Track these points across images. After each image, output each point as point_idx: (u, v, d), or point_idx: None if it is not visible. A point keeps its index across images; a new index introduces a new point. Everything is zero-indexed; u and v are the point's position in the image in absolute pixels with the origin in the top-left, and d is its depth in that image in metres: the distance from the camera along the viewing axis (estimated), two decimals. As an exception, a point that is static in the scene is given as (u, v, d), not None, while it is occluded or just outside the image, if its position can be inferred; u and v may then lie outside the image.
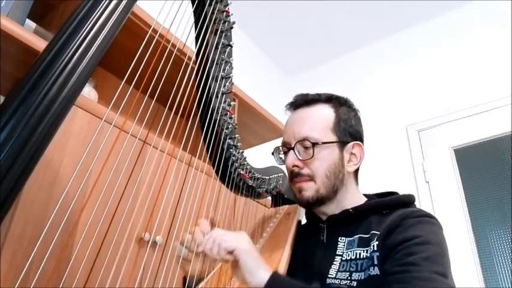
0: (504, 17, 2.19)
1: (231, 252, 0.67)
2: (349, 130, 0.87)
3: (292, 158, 0.84)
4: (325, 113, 0.87)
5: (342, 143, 0.86)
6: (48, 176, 0.84)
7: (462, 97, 2.18)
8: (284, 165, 0.91)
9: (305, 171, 0.84)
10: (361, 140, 0.89)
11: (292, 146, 0.85)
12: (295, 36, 2.72)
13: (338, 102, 0.90)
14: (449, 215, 1.97)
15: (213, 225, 0.80)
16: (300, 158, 0.84)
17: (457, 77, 2.25)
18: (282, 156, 0.93)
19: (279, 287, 0.65)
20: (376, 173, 2.08)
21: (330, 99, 0.90)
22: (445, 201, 2.02)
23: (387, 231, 0.74)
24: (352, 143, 0.87)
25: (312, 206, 0.86)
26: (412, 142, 2.25)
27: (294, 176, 0.85)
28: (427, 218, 0.77)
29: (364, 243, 0.77)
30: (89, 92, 1.21)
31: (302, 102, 0.91)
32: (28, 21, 1.21)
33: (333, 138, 0.85)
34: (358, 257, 0.75)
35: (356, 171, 0.90)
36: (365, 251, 0.75)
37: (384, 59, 2.62)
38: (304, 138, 0.83)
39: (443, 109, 2.22)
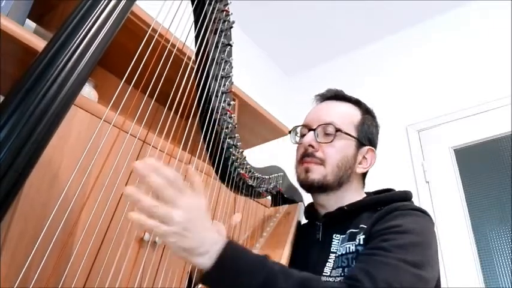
0: (504, 17, 2.19)
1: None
2: (369, 135, 0.90)
3: (310, 137, 0.87)
4: (352, 112, 0.91)
5: (360, 143, 0.88)
6: (48, 176, 0.84)
7: (462, 97, 2.18)
8: (296, 146, 0.93)
9: (318, 154, 0.86)
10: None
11: (314, 128, 0.87)
12: (295, 36, 2.72)
13: (365, 109, 0.94)
14: (449, 215, 1.97)
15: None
16: (319, 140, 0.86)
17: (457, 77, 2.25)
18: (298, 139, 0.94)
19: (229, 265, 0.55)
20: (376, 173, 2.08)
21: (359, 103, 0.94)
22: (445, 201, 2.02)
23: (374, 223, 0.75)
24: (367, 147, 0.90)
25: (313, 189, 0.87)
26: (412, 142, 2.25)
27: (306, 155, 0.86)
28: (416, 212, 0.77)
29: (352, 237, 0.77)
30: (89, 92, 1.21)
31: (332, 95, 0.94)
32: (28, 21, 1.21)
33: (354, 135, 0.88)
34: (348, 251, 0.76)
35: (364, 176, 0.92)
36: (353, 245, 0.75)
37: (384, 59, 2.62)
38: (329, 123, 0.86)
39: (443, 109, 2.22)
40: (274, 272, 0.57)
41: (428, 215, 0.78)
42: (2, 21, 0.86)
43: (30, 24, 1.26)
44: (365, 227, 0.76)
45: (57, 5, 1.20)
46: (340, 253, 0.77)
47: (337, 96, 0.94)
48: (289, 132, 0.97)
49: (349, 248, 0.76)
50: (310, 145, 0.86)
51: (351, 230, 0.79)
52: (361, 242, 0.73)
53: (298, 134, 0.95)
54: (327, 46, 2.77)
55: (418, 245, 0.68)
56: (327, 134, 0.86)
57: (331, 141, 0.85)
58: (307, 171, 0.85)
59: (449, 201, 2.01)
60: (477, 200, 1.97)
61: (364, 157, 0.89)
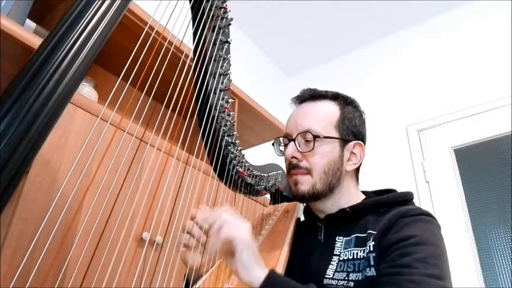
0: (504, 17, 2.19)
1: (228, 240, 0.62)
2: (352, 129, 0.87)
3: (292, 149, 0.84)
4: (330, 109, 0.88)
5: (344, 141, 0.86)
6: (48, 176, 0.84)
7: (462, 97, 2.18)
8: (283, 157, 0.91)
9: (303, 164, 0.83)
10: (363, 141, 0.89)
11: (294, 137, 0.85)
12: (295, 37, 2.72)
13: (344, 101, 0.90)
14: (449, 215, 1.96)
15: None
16: (300, 150, 0.84)
17: (457, 77, 2.25)
18: (282, 148, 0.92)
19: None
20: (376, 173, 2.09)
21: (336, 97, 0.90)
22: (445, 201, 2.02)
23: (383, 230, 0.74)
24: (353, 142, 0.87)
25: (306, 200, 0.86)
26: (412, 142, 2.25)
27: (292, 167, 0.85)
28: (424, 217, 0.76)
29: (360, 243, 0.76)
30: (89, 92, 1.21)
31: (308, 96, 0.91)
32: (28, 21, 1.22)
33: (335, 134, 0.85)
34: (355, 257, 0.75)
35: (357, 171, 0.90)
36: (362, 251, 0.75)
37: (384, 59, 2.62)
38: (306, 131, 0.83)
39: (443, 109, 2.22)
40: None
41: (435, 219, 0.78)
42: (2, 21, 0.86)
43: (30, 24, 1.27)
44: (374, 232, 0.75)
45: (57, 5, 1.20)
46: (345, 257, 0.76)
47: (313, 96, 0.90)
48: (273, 144, 0.94)
49: (357, 254, 0.75)
50: (293, 157, 0.84)
51: (356, 235, 0.78)
52: (371, 249, 0.73)
53: (282, 144, 0.93)
54: (327, 46, 2.77)
55: (436, 256, 0.68)
56: (307, 141, 0.84)
57: (312, 149, 0.82)
58: (296, 183, 0.84)
59: (449, 201, 2.01)
60: (477, 200, 1.97)
61: (352, 153, 0.87)
